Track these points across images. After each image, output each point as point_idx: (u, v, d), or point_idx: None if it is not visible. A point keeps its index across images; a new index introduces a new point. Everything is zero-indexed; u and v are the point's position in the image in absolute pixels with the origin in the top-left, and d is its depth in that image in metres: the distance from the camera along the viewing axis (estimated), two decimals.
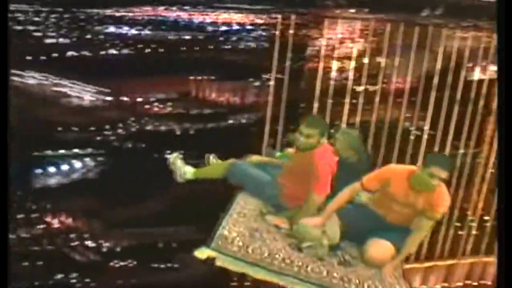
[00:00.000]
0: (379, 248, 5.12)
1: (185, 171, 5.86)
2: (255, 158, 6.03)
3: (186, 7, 18.40)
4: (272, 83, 17.19)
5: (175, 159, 5.92)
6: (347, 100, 18.01)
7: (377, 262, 5.08)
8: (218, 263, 4.89)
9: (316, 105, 17.57)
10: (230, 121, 18.00)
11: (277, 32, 17.40)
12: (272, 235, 5.14)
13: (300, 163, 5.51)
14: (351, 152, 5.94)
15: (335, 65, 17.97)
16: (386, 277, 5.02)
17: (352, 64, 18.17)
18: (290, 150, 6.18)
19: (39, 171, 17.95)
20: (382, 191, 5.22)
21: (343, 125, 15.89)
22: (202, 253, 4.94)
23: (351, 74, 18.08)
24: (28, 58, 17.71)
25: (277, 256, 4.92)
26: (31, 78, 18.16)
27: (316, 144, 5.45)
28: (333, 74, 18.02)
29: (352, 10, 18.25)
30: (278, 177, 5.68)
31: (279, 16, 17.53)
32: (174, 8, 18.56)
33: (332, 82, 18.02)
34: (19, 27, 18.09)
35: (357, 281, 4.95)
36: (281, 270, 4.86)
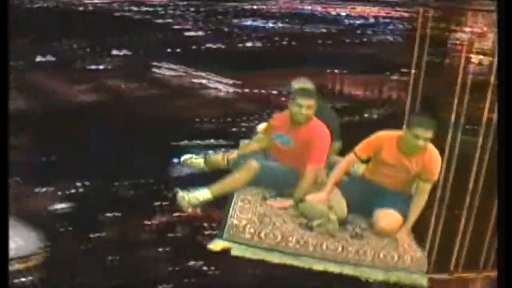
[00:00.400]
0: (387, 218, 4.96)
1: (199, 196, 5.11)
2: (244, 150, 5.68)
3: (321, 0, 18.33)
4: (411, 77, 16.82)
5: (181, 196, 5.36)
6: (487, 95, 17.31)
7: (388, 232, 4.96)
8: (234, 252, 4.80)
9: (455, 100, 17.04)
10: (366, 115, 17.72)
11: (418, 26, 16.97)
12: (281, 218, 5.00)
13: (302, 140, 5.24)
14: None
15: (475, 59, 17.32)
16: (401, 244, 4.87)
17: (492, 58, 17.43)
18: (246, 142, 5.87)
19: (176, 160, 18.46)
20: (375, 159, 5.10)
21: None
22: (216, 245, 4.81)
23: (492, 69, 17.36)
24: (168, 50, 18.21)
25: (290, 238, 4.83)
26: (170, 70, 18.67)
27: (312, 115, 5.22)
28: (473, 68, 17.38)
29: (493, 2, 17.51)
30: (289, 162, 5.36)
31: (420, 9, 17.09)
32: (309, 1, 18.52)
33: (471, 77, 17.38)
34: (160, 21, 18.66)
35: (373, 253, 4.83)
36: (296, 251, 4.82)
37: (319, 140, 5.23)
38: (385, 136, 5.11)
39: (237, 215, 4.95)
